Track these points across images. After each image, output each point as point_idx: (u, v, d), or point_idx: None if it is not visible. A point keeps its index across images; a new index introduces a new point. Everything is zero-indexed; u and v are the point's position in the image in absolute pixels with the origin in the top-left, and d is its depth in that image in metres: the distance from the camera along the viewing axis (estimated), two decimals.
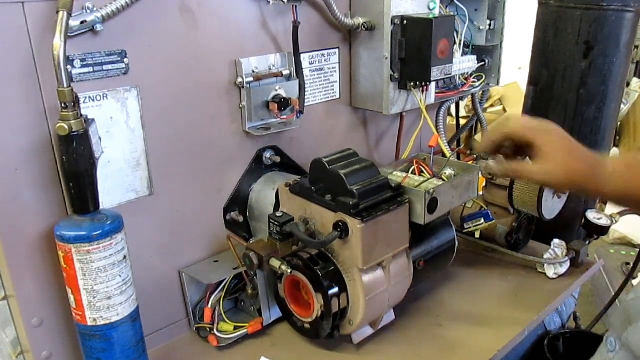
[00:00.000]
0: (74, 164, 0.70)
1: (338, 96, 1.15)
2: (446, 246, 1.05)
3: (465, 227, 1.15)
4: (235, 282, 1.00)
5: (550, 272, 1.15)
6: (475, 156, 0.93)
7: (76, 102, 0.70)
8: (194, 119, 0.93)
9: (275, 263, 0.86)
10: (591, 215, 1.22)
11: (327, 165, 0.86)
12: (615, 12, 1.19)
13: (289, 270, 0.85)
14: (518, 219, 1.19)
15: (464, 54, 1.28)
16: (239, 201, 1.03)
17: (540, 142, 0.80)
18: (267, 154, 1.05)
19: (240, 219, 1.03)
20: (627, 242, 2.70)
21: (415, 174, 1.02)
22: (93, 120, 0.75)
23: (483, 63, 1.34)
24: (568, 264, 1.16)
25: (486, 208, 1.16)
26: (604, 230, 1.22)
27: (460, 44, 1.25)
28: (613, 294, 1.51)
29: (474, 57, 1.29)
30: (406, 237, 0.91)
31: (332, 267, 0.87)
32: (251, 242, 0.94)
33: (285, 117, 1.00)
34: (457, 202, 0.97)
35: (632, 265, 1.40)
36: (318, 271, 0.85)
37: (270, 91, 0.99)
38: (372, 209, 0.84)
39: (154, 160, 0.89)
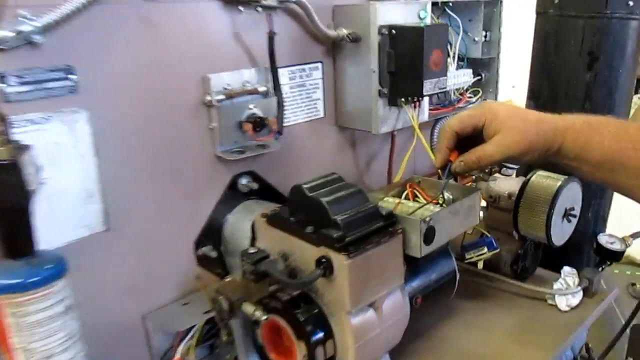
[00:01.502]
0: (2, 199, 0.60)
1: (322, 115, 1.07)
2: (446, 279, 0.95)
3: (467, 257, 1.04)
4: (209, 326, 0.89)
5: (563, 304, 1.04)
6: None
7: (5, 125, 0.60)
8: (158, 143, 0.84)
9: (248, 308, 0.75)
10: (603, 239, 1.12)
11: (307, 192, 0.76)
12: (619, 21, 1.14)
13: (264, 317, 0.74)
14: (524, 245, 1.09)
15: (459, 67, 1.21)
16: (212, 234, 0.94)
17: (488, 119, 0.75)
18: (243, 181, 0.96)
19: (214, 254, 0.93)
20: (630, 261, 2.61)
21: (409, 199, 0.92)
22: (29, 146, 0.65)
23: (479, 77, 1.27)
24: (581, 294, 1.06)
25: (488, 235, 1.06)
26: (618, 255, 1.12)
27: (454, 56, 1.18)
28: (620, 316, 1.43)
29: (470, 71, 1.22)
30: (400, 272, 0.81)
31: (316, 310, 0.76)
32: (222, 282, 0.84)
33: (261, 138, 0.91)
34: (457, 230, 0.87)
35: None
36: (299, 315, 0.74)
37: (243, 110, 0.90)
38: (360, 242, 0.74)
39: (111, 191, 0.79)
